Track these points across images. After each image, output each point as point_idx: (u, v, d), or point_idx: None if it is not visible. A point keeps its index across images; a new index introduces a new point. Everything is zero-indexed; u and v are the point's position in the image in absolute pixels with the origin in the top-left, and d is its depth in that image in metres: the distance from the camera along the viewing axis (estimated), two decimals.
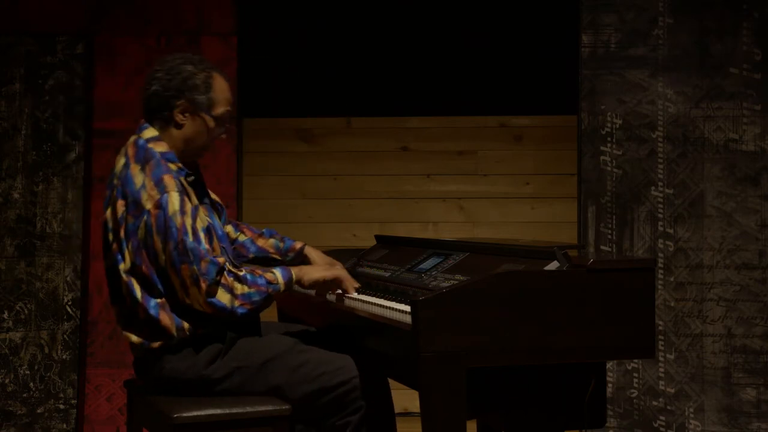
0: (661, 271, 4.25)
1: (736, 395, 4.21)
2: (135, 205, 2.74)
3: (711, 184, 4.26)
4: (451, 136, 5.18)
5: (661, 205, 4.27)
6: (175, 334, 2.76)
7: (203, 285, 2.68)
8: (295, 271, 2.85)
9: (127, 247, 2.76)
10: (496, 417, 2.94)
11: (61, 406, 4.50)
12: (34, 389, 4.50)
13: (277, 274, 2.81)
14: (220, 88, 2.89)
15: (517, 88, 5.13)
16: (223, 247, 2.90)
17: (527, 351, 2.46)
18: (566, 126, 4.95)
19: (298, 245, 3.27)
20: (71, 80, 4.60)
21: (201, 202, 2.89)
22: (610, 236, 4.28)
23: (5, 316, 4.53)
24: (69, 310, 4.53)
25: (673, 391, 4.23)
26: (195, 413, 2.68)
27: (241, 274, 2.75)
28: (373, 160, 5.17)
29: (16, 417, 4.50)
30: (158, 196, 2.71)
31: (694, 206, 4.26)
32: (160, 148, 2.84)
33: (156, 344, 2.78)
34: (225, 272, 2.71)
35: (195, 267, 2.67)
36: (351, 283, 2.92)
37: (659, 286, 4.24)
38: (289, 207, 5.16)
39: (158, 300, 2.75)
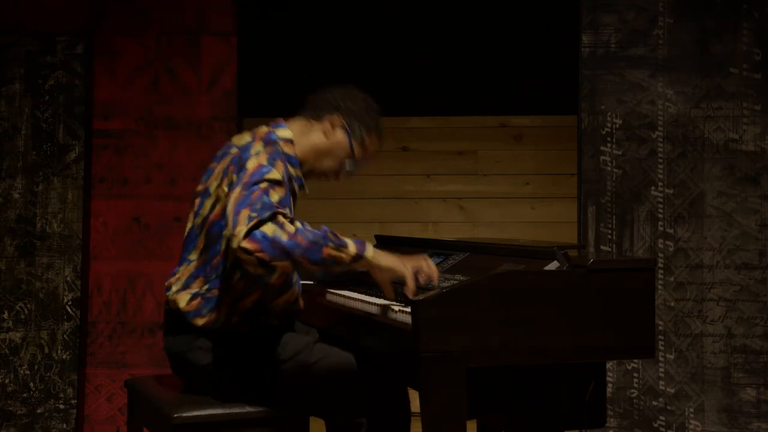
0: (661, 271, 4.25)
1: (736, 395, 4.21)
2: (240, 165, 2.69)
3: (711, 184, 4.26)
4: (451, 136, 5.18)
5: (661, 205, 4.27)
6: (220, 325, 2.77)
7: (254, 220, 2.53)
8: (370, 247, 2.70)
9: (219, 199, 2.74)
10: (496, 417, 2.94)
11: (61, 406, 4.50)
12: (34, 389, 4.50)
13: (348, 239, 2.67)
14: (375, 139, 2.93)
15: (517, 88, 5.13)
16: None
17: (527, 351, 2.46)
18: (566, 126, 4.95)
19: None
20: (71, 80, 4.60)
21: None
22: (610, 236, 4.28)
23: (5, 316, 4.53)
24: (69, 310, 4.53)
25: (673, 391, 4.23)
26: (195, 413, 2.68)
27: (307, 225, 2.64)
28: (373, 160, 5.17)
29: (16, 417, 4.50)
30: (265, 164, 2.66)
31: (694, 206, 4.26)
32: (288, 149, 2.82)
33: (201, 321, 2.78)
34: (279, 215, 2.59)
35: (255, 213, 2.54)
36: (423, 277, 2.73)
37: (659, 286, 4.24)
38: None
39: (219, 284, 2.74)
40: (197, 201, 2.87)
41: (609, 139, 4.29)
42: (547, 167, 5.14)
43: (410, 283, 2.65)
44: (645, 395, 4.23)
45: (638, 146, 4.28)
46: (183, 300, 2.80)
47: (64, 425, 4.50)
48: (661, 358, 4.22)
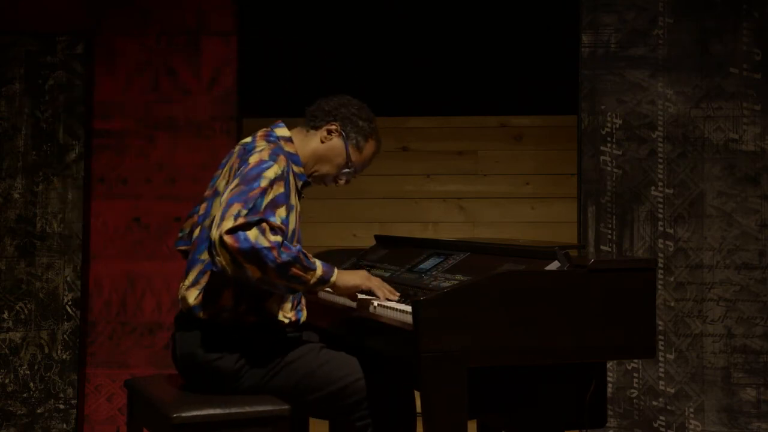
0: (661, 271, 4.25)
1: (736, 395, 4.21)
2: (243, 159, 2.78)
3: (711, 184, 4.26)
4: (451, 136, 5.18)
5: (661, 205, 4.27)
6: (227, 314, 2.78)
7: (241, 221, 2.58)
8: (336, 271, 2.78)
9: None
10: (496, 417, 2.94)
11: (61, 406, 4.50)
12: (34, 389, 4.50)
13: (317, 262, 2.74)
14: (371, 147, 3.02)
15: (517, 88, 5.13)
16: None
17: (528, 351, 2.46)
18: (566, 126, 4.95)
19: None
20: (71, 80, 4.59)
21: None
22: (610, 236, 4.28)
23: (5, 316, 4.53)
24: (69, 310, 4.53)
25: (673, 391, 4.23)
26: (194, 413, 2.68)
27: (285, 242, 2.66)
28: (373, 160, 5.17)
29: (16, 417, 4.50)
30: (266, 159, 2.74)
31: (694, 206, 4.26)
32: (288, 148, 2.90)
33: (207, 314, 2.79)
34: (265, 222, 2.62)
35: (245, 211, 2.60)
36: (386, 292, 2.82)
37: (659, 286, 4.24)
38: None
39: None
40: (204, 205, 2.90)
41: (609, 139, 4.29)
42: (547, 167, 5.14)
43: (379, 293, 2.79)
44: (645, 395, 4.23)
45: (638, 146, 4.28)
46: (192, 296, 2.82)
47: (64, 425, 4.50)
48: (661, 358, 4.22)
